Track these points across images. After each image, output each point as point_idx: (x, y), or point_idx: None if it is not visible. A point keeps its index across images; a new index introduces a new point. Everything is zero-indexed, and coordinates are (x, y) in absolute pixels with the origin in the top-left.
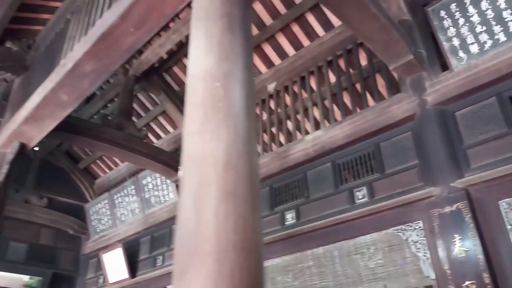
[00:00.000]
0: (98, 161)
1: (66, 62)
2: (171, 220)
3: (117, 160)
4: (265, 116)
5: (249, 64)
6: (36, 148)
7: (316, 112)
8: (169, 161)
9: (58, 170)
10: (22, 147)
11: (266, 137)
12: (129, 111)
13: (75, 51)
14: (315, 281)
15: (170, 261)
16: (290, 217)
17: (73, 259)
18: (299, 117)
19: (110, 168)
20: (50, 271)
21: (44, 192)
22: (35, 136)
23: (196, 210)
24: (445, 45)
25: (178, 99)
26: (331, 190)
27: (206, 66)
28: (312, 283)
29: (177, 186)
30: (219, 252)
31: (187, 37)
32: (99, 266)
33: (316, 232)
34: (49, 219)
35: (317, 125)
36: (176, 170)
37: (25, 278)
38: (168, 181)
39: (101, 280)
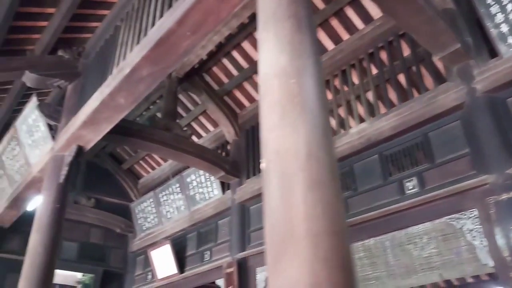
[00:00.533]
0: (141, 162)
1: (124, 67)
2: (217, 216)
3: (159, 160)
4: None
5: (318, 60)
6: None
7: (359, 106)
8: (214, 159)
9: (103, 171)
10: (79, 150)
11: None
12: (174, 113)
13: (133, 56)
14: (367, 271)
15: (218, 256)
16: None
17: (121, 256)
18: (341, 111)
19: (152, 168)
20: (101, 269)
21: (91, 193)
22: (91, 139)
23: (284, 200)
24: (493, 32)
25: (218, 98)
26: (380, 182)
27: (279, 65)
28: (364, 274)
29: (221, 183)
30: (312, 237)
31: (226, 38)
32: (146, 263)
33: (366, 224)
34: (97, 218)
35: (361, 119)
36: (220, 167)
37: (78, 275)
38: (212, 178)
39: (149, 277)
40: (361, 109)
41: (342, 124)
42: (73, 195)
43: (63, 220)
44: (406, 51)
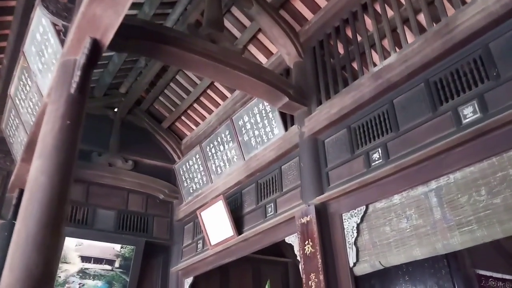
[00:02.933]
0: (183, 118)
1: None
2: (280, 159)
3: (203, 112)
4: None
5: None
6: (115, 109)
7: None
8: (274, 80)
9: (141, 131)
10: (94, 46)
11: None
12: (219, 22)
13: None
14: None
15: (285, 207)
16: (469, 111)
17: (166, 226)
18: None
19: (196, 124)
20: (143, 240)
21: (128, 154)
22: (110, 23)
23: None
24: None
25: (272, 10)
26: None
27: None
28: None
29: (283, 118)
30: None
31: None
32: (196, 231)
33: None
34: (137, 183)
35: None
36: (283, 91)
37: (117, 247)
38: (271, 114)
39: (200, 246)
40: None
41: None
42: (107, 157)
43: (78, 145)
44: None
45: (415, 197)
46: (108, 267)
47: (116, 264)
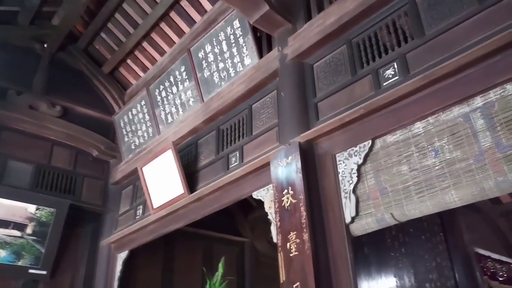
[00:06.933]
0: (128, 61)
1: None
2: (251, 94)
3: (154, 53)
4: None
5: None
6: (45, 45)
7: None
8: None
9: (76, 74)
10: None
11: None
12: None
13: None
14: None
15: (255, 153)
16: None
17: (99, 190)
18: None
19: (144, 69)
20: (67, 202)
21: (56, 98)
22: None
23: None
24: None
25: None
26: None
27: None
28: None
29: (255, 39)
30: None
31: None
32: (135, 196)
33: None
34: (65, 134)
35: None
36: None
37: (31, 208)
38: (242, 40)
39: (139, 212)
40: None
41: None
42: (28, 98)
43: None
44: None
45: (449, 121)
46: (16, 232)
47: (28, 230)
